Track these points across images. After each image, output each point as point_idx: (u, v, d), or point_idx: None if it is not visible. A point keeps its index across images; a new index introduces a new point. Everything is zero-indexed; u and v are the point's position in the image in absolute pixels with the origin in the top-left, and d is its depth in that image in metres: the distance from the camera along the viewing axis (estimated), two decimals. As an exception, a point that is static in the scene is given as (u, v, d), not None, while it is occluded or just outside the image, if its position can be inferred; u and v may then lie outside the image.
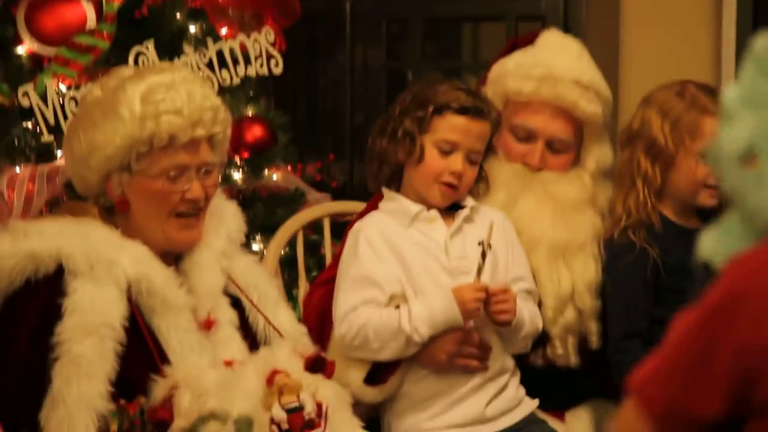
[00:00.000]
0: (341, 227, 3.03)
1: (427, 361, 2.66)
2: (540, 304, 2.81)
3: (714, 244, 1.30)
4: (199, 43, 3.51)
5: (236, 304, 2.65)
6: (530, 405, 2.76)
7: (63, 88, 3.21)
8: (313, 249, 3.92)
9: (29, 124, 3.27)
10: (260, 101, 4.02)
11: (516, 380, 2.76)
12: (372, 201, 2.94)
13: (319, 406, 2.30)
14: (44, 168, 3.24)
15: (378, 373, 2.70)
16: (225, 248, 2.64)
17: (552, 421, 2.82)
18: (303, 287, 3.28)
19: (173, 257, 2.59)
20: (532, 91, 2.94)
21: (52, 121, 3.16)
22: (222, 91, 3.49)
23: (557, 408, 2.92)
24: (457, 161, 2.69)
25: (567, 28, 4.68)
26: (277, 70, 3.60)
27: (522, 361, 2.81)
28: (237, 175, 3.84)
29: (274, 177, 3.97)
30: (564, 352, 2.85)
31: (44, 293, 2.41)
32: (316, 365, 2.39)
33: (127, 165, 2.48)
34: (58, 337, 2.35)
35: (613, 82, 4.27)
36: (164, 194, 2.50)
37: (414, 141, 2.71)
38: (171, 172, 2.49)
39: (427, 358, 2.66)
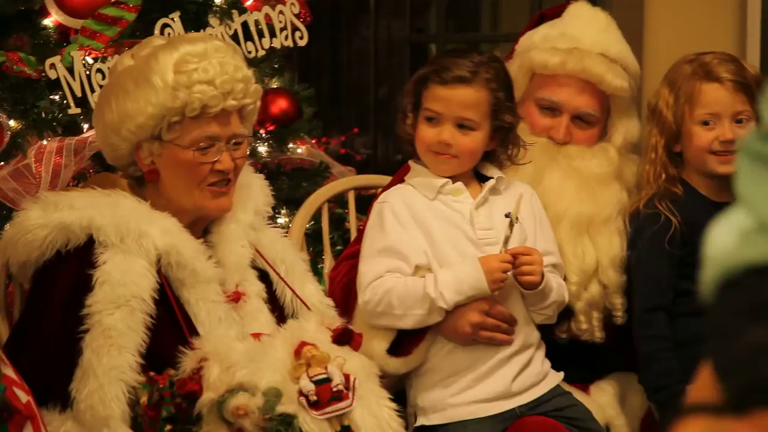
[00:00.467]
0: (366, 201, 3.04)
1: (451, 333, 2.67)
2: (564, 279, 2.81)
3: (726, 250, 1.08)
4: (225, 14, 3.50)
5: (264, 277, 2.66)
6: (555, 378, 2.76)
7: (89, 60, 3.21)
8: (338, 223, 3.92)
9: (56, 97, 3.27)
10: (285, 74, 4.01)
11: (541, 354, 2.76)
12: (398, 174, 2.94)
13: (346, 377, 2.32)
14: (71, 141, 3.24)
15: (402, 344, 2.70)
16: (252, 221, 2.65)
17: (577, 394, 2.82)
18: (328, 261, 3.29)
19: (201, 230, 2.61)
20: (559, 64, 2.93)
21: (78, 93, 3.16)
22: (247, 63, 3.49)
23: (582, 381, 2.92)
24: (442, 130, 2.68)
25: (594, 1, 4.65)
26: (302, 42, 3.59)
27: (547, 336, 2.81)
28: (262, 149, 3.84)
29: (299, 150, 3.97)
30: (588, 326, 2.85)
31: (75, 265, 2.43)
32: (344, 337, 2.40)
33: (158, 134, 2.50)
34: (89, 309, 2.38)
35: (638, 55, 4.25)
36: (194, 165, 2.51)
37: (408, 119, 2.73)
38: (201, 142, 2.50)
39: (451, 329, 2.66)
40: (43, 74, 3.18)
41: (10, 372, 2.21)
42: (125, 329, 2.35)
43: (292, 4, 3.57)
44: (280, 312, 2.64)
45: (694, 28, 4.49)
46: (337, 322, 2.52)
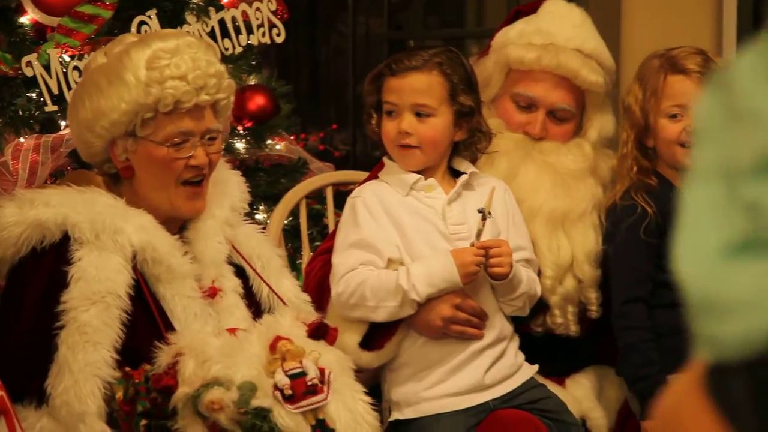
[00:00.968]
0: (344, 197, 3.05)
1: (422, 327, 2.68)
2: (539, 274, 2.83)
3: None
4: (202, 11, 3.51)
5: (240, 273, 2.67)
6: (529, 371, 2.77)
7: (66, 57, 3.21)
8: (317, 219, 3.94)
9: (33, 94, 3.27)
10: (263, 71, 4.02)
11: (515, 346, 2.78)
12: (374, 170, 2.96)
13: (321, 371, 2.32)
14: (48, 138, 3.25)
15: (374, 338, 2.72)
16: (229, 218, 2.66)
17: (553, 387, 2.84)
18: (306, 256, 3.30)
19: (177, 226, 2.62)
20: (534, 60, 2.95)
21: (55, 90, 3.17)
22: (224, 60, 3.50)
23: (558, 375, 2.94)
24: (401, 120, 2.71)
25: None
26: (279, 39, 3.60)
27: (522, 329, 2.83)
28: (240, 145, 3.85)
29: (277, 147, 3.98)
30: (564, 320, 2.87)
31: (50, 261, 2.44)
32: (319, 332, 2.41)
33: (132, 131, 2.50)
34: (64, 305, 2.38)
35: (615, 52, 4.27)
36: (169, 161, 2.52)
37: (371, 118, 2.78)
38: (175, 138, 2.51)
39: (422, 323, 2.68)
40: (20, 72, 3.19)
41: (-18, 367, 2.22)
42: (100, 325, 2.36)
43: (269, 1, 3.58)
44: (256, 307, 2.65)
45: (670, 24, 4.51)
46: (313, 316, 2.53)
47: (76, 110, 2.55)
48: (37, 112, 3.26)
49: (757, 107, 0.76)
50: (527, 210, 2.87)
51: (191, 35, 2.71)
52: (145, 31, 3.26)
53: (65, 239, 2.44)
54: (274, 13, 3.59)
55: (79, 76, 3.09)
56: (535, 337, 2.88)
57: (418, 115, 2.70)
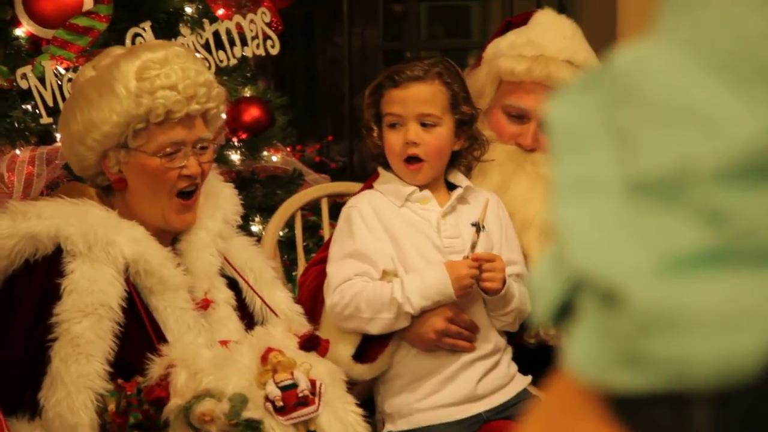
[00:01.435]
0: (339, 208, 3.06)
1: (415, 340, 2.69)
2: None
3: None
4: (196, 23, 3.53)
5: (233, 285, 2.68)
6: (522, 382, 2.78)
7: (61, 69, 3.22)
8: (312, 230, 3.95)
9: (28, 107, 3.29)
10: (258, 82, 4.04)
11: (508, 357, 2.78)
12: (368, 181, 2.97)
13: (312, 383, 2.33)
14: (44, 150, 3.26)
15: (367, 350, 2.72)
16: (221, 230, 2.67)
17: (546, 399, 2.84)
18: (302, 268, 3.30)
19: (170, 238, 2.63)
20: (525, 71, 2.96)
21: (50, 102, 3.18)
22: (219, 72, 3.52)
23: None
24: (407, 131, 2.71)
25: (562, 7, 4.69)
26: (274, 51, 3.61)
27: (515, 341, 2.83)
28: (235, 157, 3.86)
29: (273, 158, 3.99)
30: (557, 332, 2.87)
31: (43, 274, 2.44)
32: (310, 343, 2.42)
33: (124, 142, 2.51)
34: (57, 318, 2.38)
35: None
36: (161, 171, 2.53)
37: (372, 131, 2.76)
38: (167, 148, 2.52)
39: (415, 336, 2.68)
40: (15, 84, 3.20)
41: (-26, 380, 2.23)
42: (93, 337, 2.37)
43: (264, 12, 3.59)
44: (249, 319, 2.66)
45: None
46: (305, 328, 2.54)
47: (67, 124, 2.56)
48: (33, 124, 3.27)
49: (706, 105, 0.70)
50: (520, 221, 2.88)
51: (178, 45, 2.72)
52: (140, 43, 3.27)
53: (58, 251, 2.45)
54: (269, 24, 3.60)
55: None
56: (529, 349, 2.88)
57: (422, 125, 2.71)
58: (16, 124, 3.26)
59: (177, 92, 2.49)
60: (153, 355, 2.34)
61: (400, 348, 2.72)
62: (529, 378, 2.80)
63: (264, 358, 2.32)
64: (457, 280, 2.62)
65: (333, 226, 3.21)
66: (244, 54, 3.56)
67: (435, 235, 2.72)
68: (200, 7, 3.68)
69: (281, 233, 3.42)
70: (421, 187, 2.76)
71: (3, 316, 2.49)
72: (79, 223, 2.46)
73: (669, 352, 0.69)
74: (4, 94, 3.25)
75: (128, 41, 3.26)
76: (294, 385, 2.30)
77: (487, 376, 2.71)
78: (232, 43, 3.53)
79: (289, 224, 3.44)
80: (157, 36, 3.30)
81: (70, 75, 3.19)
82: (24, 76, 3.18)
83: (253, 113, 3.84)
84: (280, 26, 3.70)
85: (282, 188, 3.89)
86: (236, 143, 3.84)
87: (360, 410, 2.43)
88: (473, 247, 2.64)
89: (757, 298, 0.69)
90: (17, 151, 3.26)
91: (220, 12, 3.75)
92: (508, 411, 2.71)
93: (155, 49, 2.56)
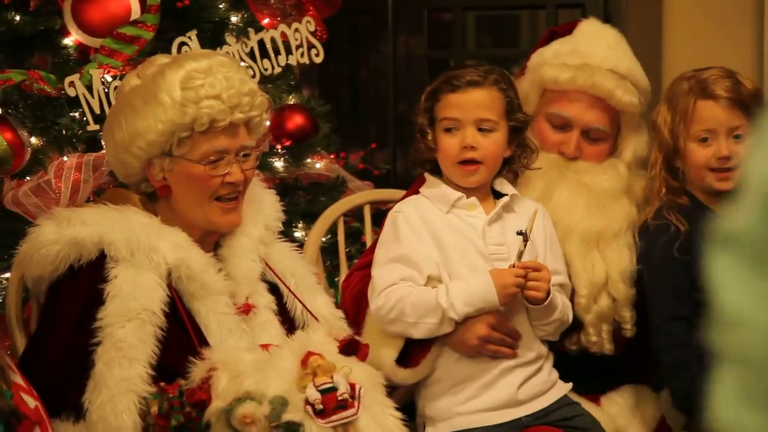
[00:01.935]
0: (382, 215, 3.08)
1: (457, 345, 2.70)
2: (574, 293, 2.84)
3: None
4: (241, 32, 3.57)
5: (274, 290, 2.71)
6: (563, 388, 2.79)
7: (108, 78, 3.27)
8: (355, 237, 3.97)
9: (76, 114, 3.34)
10: (302, 90, 4.07)
11: (549, 364, 2.79)
12: (414, 185, 2.98)
13: (352, 387, 2.35)
14: (91, 157, 3.31)
15: (410, 355, 2.74)
16: (262, 236, 2.70)
17: (587, 405, 2.85)
18: (344, 274, 3.32)
19: (212, 244, 2.66)
20: (569, 80, 2.96)
21: (98, 110, 3.23)
22: (264, 80, 3.55)
23: (592, 393, 2.94)
24: (464, 135, 2.72)
25: (607, 17, 4.69)
26: (318, 60, 3.64)
27: (556, 348, 2.84)
28: (279, 164, 3.89)
29: (317, 165, 4.02)
30: (598, 339, 2.87)
31: (87, 279, 2.48)
32: (350, 348, 2.44)
33: (168, 150, 2.55)
34: (100, 322, 2.43)
35: (656, 72, 4.28)
36: (205, 178, 2.56)
37: (427, 135, 2.77)
38: (211, 156, 2.56)
39: (457, 341, 2.70)
40: (63, 92, 3.25)
41: (18, 379, 2.26)
42: (136, 341, 2.40)
43: (308, 21, 3.62)
44: (290, 324, 2.68)
45: (711, 44, 4.51)
46: (345, 332, 2.56)
47: (112, 132, 2.60)
48: (80, 132, 3.32)
49: None
50: (562, 229, 2.88)
51: (222, 54, 2.75)
52: (185, 51, 3.31)
53: (101, 257, 2.49)
54: (313, 33, 3.63)
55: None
56: (570, 356, 2.89)
57: (479, 130, 2.73)
58: (64, 132, 3.32)
59: (221, 101, 2.52)
60: (195, 358, 2.38)
61: (442, 353, 2.73)
62: (570, 385, 2.80)
63: (304, 362, 2.34)
64: (502, 288, 2.63)
65: (376, 232, 3.23)
66: (288, 62, 3.59)
67: (480, 242, 2.73)
68: (245, 16, 3.71)
69: (324, 239, 3.44)
70: (468, 194, 2.77)
71: (48, 320, 2.53)
72: (122, 229, 2.50)
73: None
74: (53, 102, 3.30)
75: (174, 50, 3.30)
76: (334, 389, 2.32)
77: (528, 382, 2.72)
78: (276, 52, 3.56)
79: (332, 230, 3.46)
80: (202, 45, 3.34)
81: (116, 83, 3.23)
82: (72, 84, 3.23)
83: (296, 121, 3.87)
84: (325, 35, 3.73)
85: (325, 195, 3.92)
86: (280, 150, 3.87)
87: (399, 414, 2.45)
88: (520, 255, 2.65)
89: None
90: (65, 158, 3.31)
91: (266, 21, 3.78)
92: (549, 417, 2.72)
93: (199, 58, 2.59)
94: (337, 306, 2.86)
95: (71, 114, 3.34)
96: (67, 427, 2.41)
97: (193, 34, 3.35)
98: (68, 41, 3.39)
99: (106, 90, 3.23)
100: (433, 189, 2.80)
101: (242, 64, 3.45)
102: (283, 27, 3.59)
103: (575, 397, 2.82)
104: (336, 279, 3.61)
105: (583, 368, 2.89)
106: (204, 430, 2.30)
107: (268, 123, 3.70)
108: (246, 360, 2.34)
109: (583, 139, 2.97)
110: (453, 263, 2.71)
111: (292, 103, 3.94)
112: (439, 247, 2.72)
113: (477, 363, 2.71)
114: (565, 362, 2.84)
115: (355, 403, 2.34)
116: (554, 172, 2.94)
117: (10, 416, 2.17)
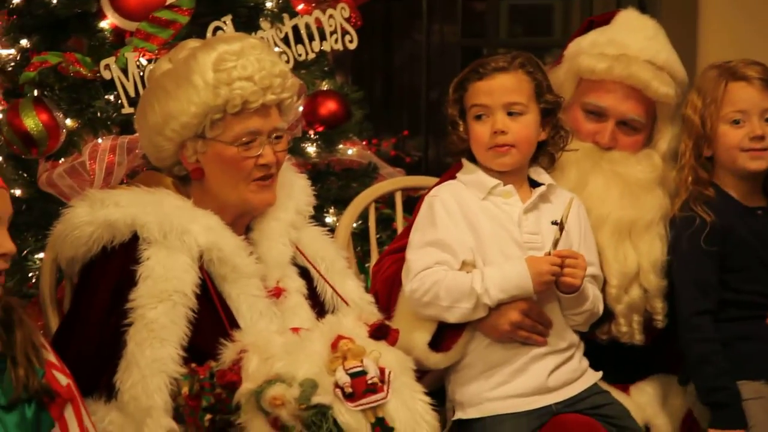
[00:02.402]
0: (413, 202, 3.08)
1: (489, 330, 2.71)
2: (605, 283, 2.84)
3: None
4: (276, 18, 3.57)
5: (304, 274, 2.72)
6: (593, 377, 2.78)
7: (143, 61, 3.28)
8: (386, 223, 3.97)
9: (111, 97, 3.35)
10: (336, 76, 4.07)
11: (580, 352, 2.78)
12: (450, 170, 2.98)
13: (381, 371, 2.36)
14: (125, 139, 3.33)
15: (442, 339, 2.74)
16: (293, 220, 2.71)
17: (617, 394, 2.84)
18: (374, 260, 3.32)
19: (244, 227, 2.67)
20: (605, 70, 2.95)
21: (132, 93, 3.24)
22: (297, 65, 3.56)
23: (622, 382, 2.94)
24: (495, 121, 2.73)
25: (642, 8, 4.67)
26: (352, 46, 3.64)
27: (587, 336, 2.83)
28: (311, 149, 3.89)
29: (349, 152, 4.02)
30: (629, 329, 2.87)
31: (119, 260, 2.50)
32: (380, 332, 2.45)
33: (201, 132, 2.56)
34: (132, 303, 2.45)
35: (691, 63, 4.26)
36: (238, 160, 2.57)
37: (458, 126, 2.77)
38: (244, 137, 2.57)
39: (490, 327, 2.70)
40: (98, 75, 3.27)
41: (51, 357, 2.28)
42: (167, 323, 2.42)
43: (343, 8, 3.63)
44: (320, 308, 2.69)
45: (747, 37, 4.49)
46: (375, 317, 2.57)
47: (145, 116, 2.62)
48: (115, 114, 3.34)
49: None
50: (595, 219, 2.88)
51: (254, 37, 2.76)
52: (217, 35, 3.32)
53: (134, 239, 2.51)
54: (347, 20, 3.63)
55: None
56: (601, 345, 2.88)
57: (509, 114, 2.73)
58: (99, 114, 3.34)
59: (253, 83, 2.53)
60: (226, 340, 2.39)
61: (473, 338, 2.73)
62: (600, 373, 2.80)
63: (334, 346, 2.35)
64: (537, 276, 2.64)
65: (406, 219, 3.24)
66: (322, 48, 3.60)
67: (516, 230, 2.74)
68: (280, 1, 3.72)
69: (355, 225, 3.45)
70: (505, 182, 2.77)
71: (81, 301, 2.55)
72: (155, 211, 2.51)
73: None
74: (88, 85, 3.33)
75: (209, 34, 3.32)
76: (363, 372, 2.33)
77: (558, 370, 2.72)
78: (311, 38, 3.57)
79: (363, 216, 3.46)
80: (237, 30, 3.35)
81: (151, 66, 3.24)
82: (107, 67, 3.25)
83: (329, 107, 3.88)
84: (359, 21, 3.74)
85: (357, 181, 3.92)
86: (312, 136, 3.88)
87: (428, 399, 2.46)
88: (555, 244, 2.65)
89: None
90: (99, 140, 3.33)
91: (300, 7, 3.79)
92: (579, 404, 2.72)
93: (231, 41, 2.60)
94: (368, 291, 2.87)
95: (106, 97, 3.36)
96: (99, 406, 2.43)
97: (228, 18, 3.36)
98: (104, 24, 3.41)
99: (141, 73, 3.24)
100: (470, 175, 2.80)
101: (276, 49, 3.46)
102: (317, 13, 3.60)
103: (605, 386, 2.82)
104: (366, 265, 3.61)
105: (613, 358, 2.89)
106: (234, 411, 2.32)
107: (301, 108, 3.72)
108: (276, 343, 2.36)
109: (618, 130, 2.97)
110: (487, 250, 2.72)
111: (325, 89, 3.94)
112: (474, 233, 2.73)
113: (508, 349, 2.71)
114: (596, 351, 2.84)
115: (385, 387, 2.35)
116: (588, 161, 2.94)
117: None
